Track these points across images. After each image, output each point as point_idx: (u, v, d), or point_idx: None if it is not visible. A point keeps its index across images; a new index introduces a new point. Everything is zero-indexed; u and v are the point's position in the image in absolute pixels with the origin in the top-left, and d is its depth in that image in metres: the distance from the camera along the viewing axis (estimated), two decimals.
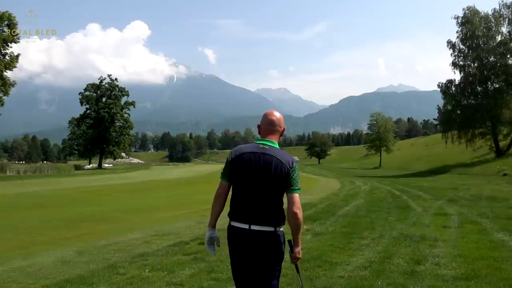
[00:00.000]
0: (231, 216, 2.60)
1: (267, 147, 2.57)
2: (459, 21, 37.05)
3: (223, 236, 2.72)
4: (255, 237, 2.48)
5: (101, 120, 63.97)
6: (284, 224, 2.57)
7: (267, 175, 2.49)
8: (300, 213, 2.48)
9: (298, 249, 2.59)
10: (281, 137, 2.73)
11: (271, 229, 2.50)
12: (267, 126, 2.66)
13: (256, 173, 2.50)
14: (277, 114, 2.70)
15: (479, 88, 37.52)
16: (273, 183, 2.49)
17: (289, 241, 2.59)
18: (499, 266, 4.83)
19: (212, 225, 2.74)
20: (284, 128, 2.71)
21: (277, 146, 2.62)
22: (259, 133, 2.73)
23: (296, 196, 2.50)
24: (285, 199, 2.57)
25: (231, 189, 2.67)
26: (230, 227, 2.61)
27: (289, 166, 2.51)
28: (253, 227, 2.49)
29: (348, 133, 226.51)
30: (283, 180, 2.49)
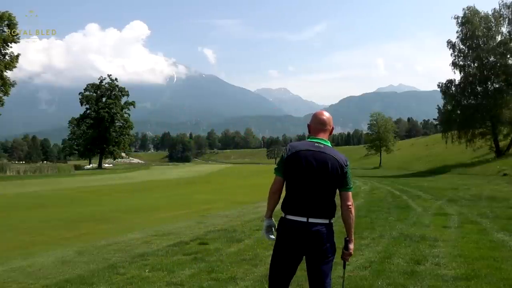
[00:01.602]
0: (287, 209, 2.71)
1: (323, 146, 2.71)
2: (459, 21, 37.03)
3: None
4: (313, 229, 2.63)
5: (101, 120, 63.99)
6: (334, 217, 2.73)
7: (325, 172, 2.64)
8: (354, 210, 2.73)
9: (351, 246, 2.81)
10: (330, 134, 2.87)
11: (326, 221, 2.67)
12: (318, 125, 2.82)
13: (313, 170, 2.64)
14: (326, 114, 2.87)
15: (479, 88, 37.49)
16: (330, 180, 2.66)
17: (345, 238, 2.80)
18: (499, 266, 4.83)
19: (269, 216, 2.87)
20: (333, 127, 2.89)
21: (330, 145, 2.76)
22: (309, 131, 2.87)
23: (350, 194, 2.72)
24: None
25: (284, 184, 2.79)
26: (286, 220, 2.71)
27: (344, 164, 2.69)
28: (311, 220, 2.63)
29: (348, 133, 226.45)
30: (338, 177, 2.67)
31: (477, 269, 4.71)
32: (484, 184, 19.50)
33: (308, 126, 2.89)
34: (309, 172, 2.64)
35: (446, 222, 8.37)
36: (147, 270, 4.90)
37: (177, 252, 5.92)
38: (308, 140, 2.79)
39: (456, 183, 21.02)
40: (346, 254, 2.81)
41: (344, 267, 2.96)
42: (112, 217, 10.56)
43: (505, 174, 25.50)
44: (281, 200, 2.82)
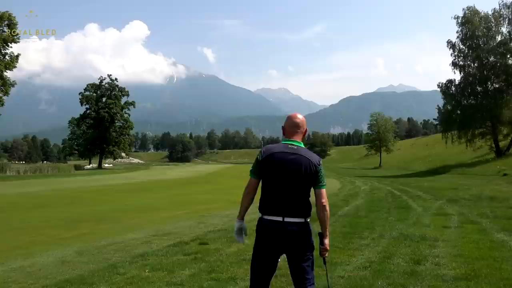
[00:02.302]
0: (264, 210, 2.83)
1: (296, 147, 2.84)
2: (459, 21, 37.03)
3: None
4: (289, 227, 2.73)
5: (101, 120, 63.95)
6: (310, 216, 2.81)
7: (298, 172, 2.75)
8: (328, 206, 2.83)
9: (327, 241, 2.88)
10: (304, 137, 2.99)
11: (302, 220, 2.77)
12: (293, 128, 2.94)
13: (287, 170, 2.75)
14: (300, 117, 3.00)
15: (479, 88, 37.48)
16: (304, 180, 2.76)
17: (319, 233, 2.88)
18: (499, 266, 4.83)
19: (241, 217, 2.99)
20: (306, 129, 3.00)
21: (303, 146, 2.89)
22: (284, 134, 2.99)
23: (323, 191, 2.83)
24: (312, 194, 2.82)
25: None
26: (263, 220, 2.83)
27: (317, 164, 2.81)
28: (287, 219, 2.74)
29: (348, 133, 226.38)
30: (312, 177, 2.78)
31: (477, 269, 4.71)
32: (484, 184, 19.49)
33: (283, 128, 3.00)
34: (283, 173, 2.75)
35: (446, 222, 8.37)
36: (147, 270, 4.90)
37: (177, 252, 5.92)
38: (283, 142, 2.91)
39: (456, 183, 21.02)
40: (322, 249, 2.89)
41: (325, 263, 3.00)
42: (112, 217, 10.56)
43: (505, 174, 25.49)
44: (258, 202, 2.90)
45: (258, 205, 2.88)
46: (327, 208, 2.82)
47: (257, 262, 2.83)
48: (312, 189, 2.85)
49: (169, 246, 6.34)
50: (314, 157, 2.83)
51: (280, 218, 2.74)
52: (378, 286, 4.19)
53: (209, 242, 6.55)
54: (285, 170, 2.75)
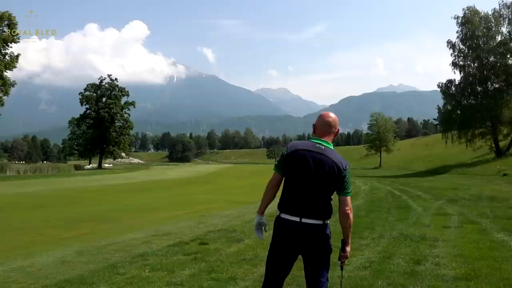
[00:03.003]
0: (282, 208, 2.73)
1: (323, 147, 2.70)
2: (459, 21, 37.02)
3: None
4: (306, 229, 2.63)
5: (101, 120, 63.97)
6: (330, 218, 2.74)
7: (321, 174, 2.63)
8: (351, 214, 2.71)
9: (348, 248, 2.79)
10: (335, 137, 2.86)
11: (320, 222, 2.66)
12: (324, 127, 2.79)
13: (309, 170, 2.64)
14: (333, 115, 2.85)
15: (479, 88, 37.48)
16: (326, 183, 2.65)
17: (342, 240, 2.79)
18: (499, 266, 4.83)
19: (261, 211, 2.87)
20: (338, 130, 2.85)
21: (332, 147, 2.75)
22: (314, 132, 2.84)
23: (348, 198, 2.70)
24: (335, 197, 2.73)
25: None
26: (280, 219, 2.73)
27: (343, 168, 2.66)
28: (304, 220, 2.64)
29: (348, 133, 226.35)
30: (335, 180, 2.65)
31: (477, 269, 4.71)
32: (484, 184, 19.49)
33: (314, 126, 2.86)
34: (305, 172, 2.64)
35: (446, 222, 8.36)
36: (147, 270, 4.90)
37: (177, 252, 5.91)
38: (310, 140, 2.78)
39: (456, 183, 21.02)
40: (342, 256, 2.80)
41: (342, 269, 2.97)
42: (112, 217, 10.56)
43: (505, 174, 25.50)
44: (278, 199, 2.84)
45: (278, 202, 2.80)
46: (351, 216, 2.70)
47: (272, 260, 2.77)
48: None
49: (169, 246, 6.33)
50: (341, 160, 2.69)
51: (297, 219, 2.65)
52: (378, 286, 4.19)
53: (209, 242, 6.54)
54: (308, 169, 2.64)
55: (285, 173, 2.74)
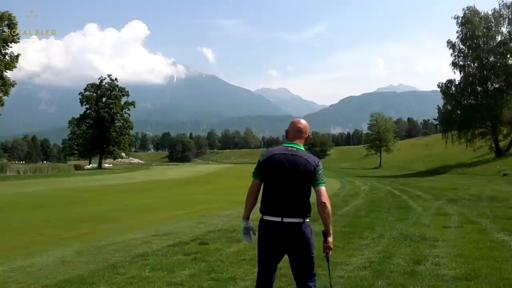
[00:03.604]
0: (264, 211, 2.93)
1: (296, 149, 2.95)
2: (459, 21, 37.03)
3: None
4: (287, 228, 2.82)
5: (101, 120, 63.94)
6: (310, 216, 2.91)
7: (297, 173, 2.84)
8: (328, 203, 2.84)
9: (330, 239, 2.90)
10: (306, 141, 3.09)
11: (300, 220, 2.85)
12: (295, 132, 3.06)
13: (287, 171, 2.85)
14: (303, 122, 3.12)
15: (479, 88, 37.49)
16: (302, 180, 2.84)
17: (323, 231, 2.91)
18: (499, 266, 4.83)
19: (247, 217, 3.09)
20: (308, 135, 3.11)
21: (303, 149, 3.00)
22: (287, 137, 3.09)
23: (323, 188, 2.86)
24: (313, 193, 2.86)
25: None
26: (263, 221, 2.94)
27: (315, 164, 2.89)
28: (285, 220, 2.83)
29: (348, 133, 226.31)
30: (310, 176, 2.85)
31: (477, 269, 4.71)
32: (484, 184, 19.49)
33: (286, 131, 3.11)
34: (283, 174, 2.85)
35: (446, 222, 8.37)
36: (147, 270, 4.90)
37: (177, 252, 5.92)
38: (284, 145, 3.03)
39: (456, 183, 21.02)
40: (325, 248, 2.91)
41: (328, 262, 3.02)
42: (112, 217, 10.55)
43: (505, 174, 25.50)
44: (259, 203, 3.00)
45: (260, 206, 2.97)
46: (328, 205, 2.82)
47: (261, 260, 2.98)
48: (312, 189, 2.90)
49: (169, 246, 6.34)
50: (312, 158, 2.93)
51: (279, 219, 2.83)
52: (378, 286, 4.19)
53: (209, 242, 6.54)
54: (284, 171, 2.84)
55: (264, 178, 2.95)
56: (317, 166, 2.89)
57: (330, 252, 2.94)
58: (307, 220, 2.89)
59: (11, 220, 10.18)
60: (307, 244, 2.85)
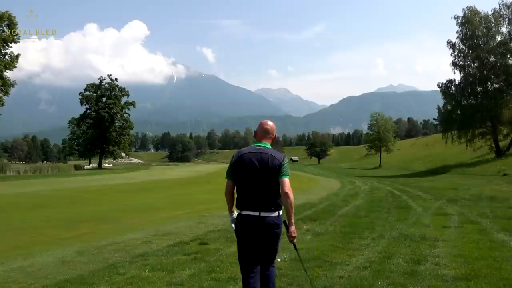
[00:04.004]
0: (241, 206, 3.21)
1: (263, 147, 3.26)
2: (459, 21, 37.05)
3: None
4: (264, 221, 3.12)
5: (101, 120, 63.90)
6: (282, 208, 3.20)
7: (266, 168, 3.14)
8: (291, 193, 3.06)
9: (293, 228, 3.14)
10: (273, 141, 3.39)
11: (276, 213, 3.15)
12: (262, 133, 3.37)
13: (257, 168, 3.15)
14: (270, 123, 3.41)
15: (479, 88, 37.51)
16: (271, 174, 3.13)
17: (284, 221, 3.18)
18: (499, 266, 4.83)
19: (231, 211, 3.42)
20: (275, 136, 3.41)
21: (270, 147, 3.30)
22: (255, 137, 3.39)
23: (286, 180, 3.13)
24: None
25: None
26: (242, 216, 3.20)
27: (281, 159, 3.19)
28: (262, 214, 3.12)
29: (348, 133, 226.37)
30: (277, 170, 3.13)
31: (477, 269, 4.71)
32: (484, 184, 19.50)
33: (255, 132, 3.42)
34: (254, 170, 3.15)
35: (446, 222, 8.37)
36: (147, 270, 4.90)
37: (177, 252, 5.92)
38: (252, 145, 3.34)
39: (456, 183, 21.03)
40: (289, 237, 3.16)
41: (295, 247, 3.27)
42: (112, 217, 10.55)
43: (505, 174, 25.51)
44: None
45: (235, 202, 3.28)
46: (290, 195, 3.05)
47: (242, 253, 3.23)
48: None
49: (169, 246, 6.34)
50: (279, 154, 3.23)
51: (256, 213, 3.12)
52: (378, 286, 4.19)
53: (209, 242, 6.54)
54: (254, 168, 3.15)
55: (237, 177, 3.24)
56: (283, 160, 3.17)
57: (295, 239, 3.16)
58: (280, 212, 3.18)
59: (11, 220, 10.18)
60: (279, 233, 3.18)
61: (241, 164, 3.21)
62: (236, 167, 3.24)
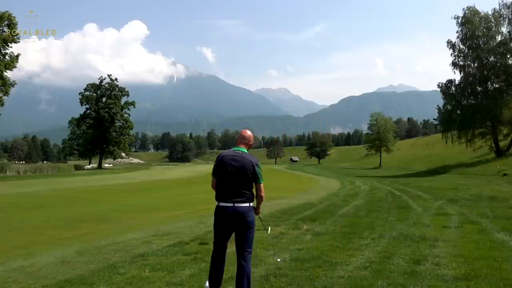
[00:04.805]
0: (219, 199, 3.91)
1: (240, 152, 3.97)
2: (459, 21, 37.04)
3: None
4: (237, 211, 3.81)
5: (101, 120, 63.89)
6: (253, 201, 3.94)
7: (241, 169, 3.84)
8: (264, 196, 4.00)
9: (258, 210, 4.08)
10: (249, 147, 4.14)
11: (247, 204, 3.86)
12: (241, 139, 4.12)
13: (233, 168, 3.85)
14: (248, 132, 4.18)
15: (479, 88, 37.49)
16: (245, 175, 3.85)
17: (253, 207, 3.98)
18: (499, 266, 4.83)
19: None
20: (252, 143, 4.14)
21: (247, 151, 4.02)
22: (236, 143, 4.10)
23: (261, 185, 3.94)
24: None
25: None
26: (219, 206, 3.90)
27: (255, 164, 3.90)
28: (236, 205, 3.81)
29: (348, 133, 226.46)
30: (251, 173, 3.86)
31: (477, 269, 4.71)
32: (484, 184, 19.49)
33: (236, 139, 4.15)
34: (231, 170, 3.84)
35: (446, 222, 8.37)
36: (147, 270, 4.90)
37: (177, 252, 5.92)
38: (232, 149, 4.06)
39: (456, 183, 21.02)
40: (255, 212, 4.03)
41: (260, 220, 4.36)
42: (112, 217, 10.55)
43: (505, 174, 25.51)
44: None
45: (215, 195, 3.94)
46: (263, 198, 3.99)
47: (216, 236, 3.97)
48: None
49: (169, 246, 6.34)
50: (254, 159, 3.93)
51: (231, 204, 3.81)
52: (378, 286, 4.18)
53: (209, 242, 6.51)
54: (232, 168, 3.84)
55: (217, 175, 3.94)
56: (256, 165, 3.88)
57: (260, 214, 4.14)
58: (251, 205, 3.89)
59: (11, 220, 10.18)
60: (251, 223, 3.87)
61: (221, 164, 3.89)
62: (217, 167, 3.93)
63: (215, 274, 4.00)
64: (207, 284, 4.04)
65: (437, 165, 41.31)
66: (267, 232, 5.58)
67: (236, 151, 3.96)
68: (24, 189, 21.45)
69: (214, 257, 4.03)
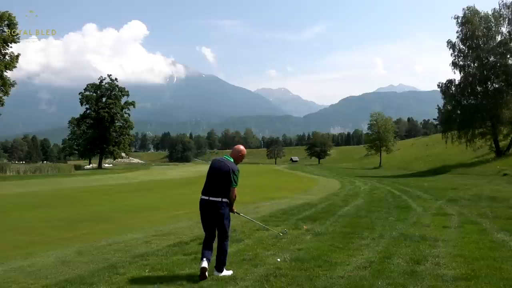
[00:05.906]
0: (202, 193, 4.84)
1: (226, 160, 4.92)
2: (459, 21, 37.08)
3: None
4: (211, 203, 4.73)
5: (101, 120, 63.89)
6: (227, 198, 4.75)
7: (221, 172, 4.78)
8: (234, 198, 4.83)
9: (232, 208, 4.91)
10: (236, 158, 5.01)
11: (219, 199, 4.73)
12: (233, 150, 5.08)
13: (216, 170, 4.83)
14: (241, 148, 5.12)
15: (479, 88, 37.53)
16: (223, 177, 4.76)
17: (226, 202, 4.79)
18: (499, 266, 4.83)
19: None
20: (241, 155, 5.02)
21: (232, 160, 4.92)
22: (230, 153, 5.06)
23: (234, 189, 4.78)
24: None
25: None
26: (200, 199, 4.84)
27: (233, 170, 4.76)
28: (211, 198, 4.73)
29: (348, 133, 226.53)
30: (228, 176, 4.74)
31: (477, 269, 4.71)
32: (484, 184, 19.51)
33: (231, 150, 5.11)
34: (213, 172, 4.84)
35: (446, 222, 8.37)
36: (147, 270, 4.90)
37: (177, 252, 5.92)
38: (223, 156, 4.99)
39: (456, 183, 21.04)
40: (231, 210, 4.94)
41: (238, 213, 5.46)
42: (112, 217, 10.56)
43: (505, 174, 25.53)
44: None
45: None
46: (234, 199, 4.83)
47: (203, 224, 4.85)
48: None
49: (169, 246, 6.34)
50: (234, 166, 4.82)
51: (207, 198, 4.74)
52: (378, 286, 4.18)
53: None
54: (215, 170, 4.83)
55: (207, 175, 4.89)
56: (233, 172, 4.72)
57: (234, 211, 5.02)
58: (224, 200, 4.72)
59: (11, 220, 10.18)
60: (223, 215, 4.71)
61: (211, 166, 4.92)
62: (209, 168, 4.91)
63: (206, 248, 4.68)
64: (203, 263, 4.50)
65: (437, 165, 41.34)
66: (281, 234, 6.79)
67: (224, 158, 4.93)
68: (24, 189, 21.46)
69: (204, 240, 4.81)
